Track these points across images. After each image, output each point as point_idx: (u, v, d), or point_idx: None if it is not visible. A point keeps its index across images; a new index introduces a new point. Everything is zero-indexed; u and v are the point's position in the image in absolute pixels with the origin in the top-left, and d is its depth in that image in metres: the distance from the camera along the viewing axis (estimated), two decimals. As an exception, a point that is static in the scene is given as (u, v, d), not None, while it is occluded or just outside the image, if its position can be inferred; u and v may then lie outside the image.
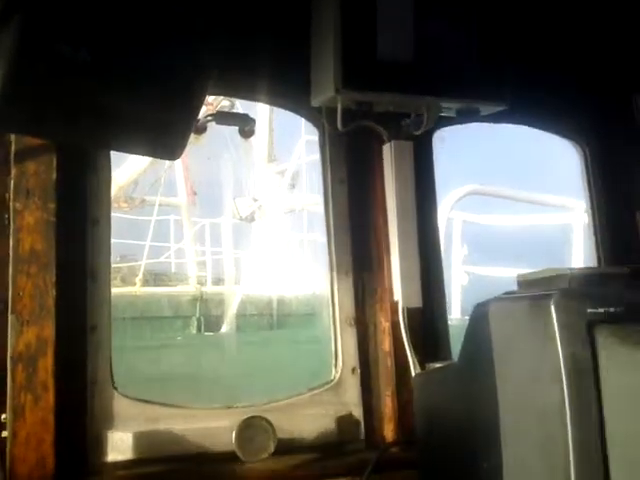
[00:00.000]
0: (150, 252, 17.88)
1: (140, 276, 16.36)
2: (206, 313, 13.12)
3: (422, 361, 3.13)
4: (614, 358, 2.10)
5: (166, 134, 2.58)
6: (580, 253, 10.74)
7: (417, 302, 3.18)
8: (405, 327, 3.14)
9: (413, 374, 3.08)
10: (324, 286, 3.29)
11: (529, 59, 3.43)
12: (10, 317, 2.58)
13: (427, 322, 3.21)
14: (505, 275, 13.57)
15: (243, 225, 15.36)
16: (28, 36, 2.15)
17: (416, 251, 3.22)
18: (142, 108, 2.45)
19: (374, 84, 2.87)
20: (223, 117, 3.11)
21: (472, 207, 12.34)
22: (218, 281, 16.12)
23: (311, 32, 2.95)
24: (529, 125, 3.78)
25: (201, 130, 3.13)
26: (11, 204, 2.64)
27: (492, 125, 3.58)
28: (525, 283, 2.48)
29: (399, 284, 3.18)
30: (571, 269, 2.38)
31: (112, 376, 2.79)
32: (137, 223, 17.24)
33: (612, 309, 2.17)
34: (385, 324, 3.18)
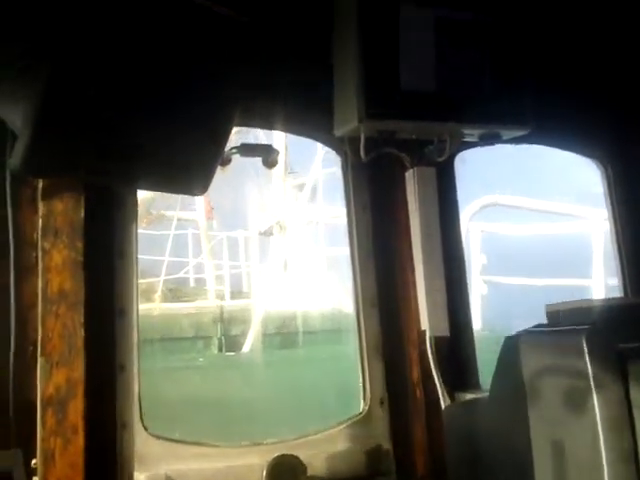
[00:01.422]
0: (168, 267, 17.94)
1: (159, 292, 16.39)
2: (227, 332, 13.06)
3: (451, 390, 3.11)
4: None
5: (192, 171, 2.59)
6: (600, 261, 10.66)
7: (444, 330, 3.17)
8: (433, 356, 3.12)
9: (442, 405, 3.06)
10: (351, 317, 3.26)
11: (550, 81, 3.41)
12: (40, 359, 2.56)
13: (455, 350, 3.19)
14: (525, 283, 13.51)
15: (262, 239, 15.36)
16: (56, 82, 2.16)
17: (442, 279, 3.21)
18: (168, 147, 2.46)
19: (397, 113, 2.88)
20: (247, 149, 3.12)
21: (491, 217, 12.29)
22: (237, 295, 16.11)
23: (333, 62, 2.96)
24: (551, 145, 3.77)
25: (226, 162, 3.14)
26: (39, 243, 2.64)
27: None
28: (554, 315, 2.46)
29: (425, 313, 3.16)
30: (599, 301, 2.37)
31: (142, 416, 2.77)
32: (155, 238, 17.28)
33: None
34: (413, 354, 3.16)
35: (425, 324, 3.17)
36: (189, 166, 2.56)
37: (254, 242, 15.74)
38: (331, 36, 2.96)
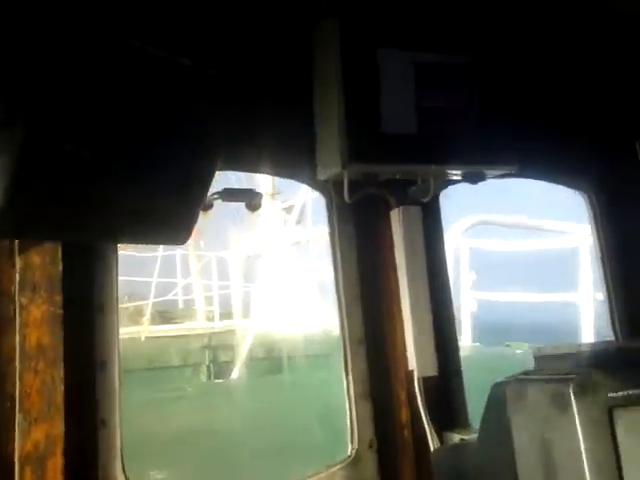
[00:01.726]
0: (157, 289, 17.86)
1: (148, 316, 16.31)
2: (215, 359, 12.98)
3: (440, 430, 3.09)
4: (636, 445, 2.08)
5: (173, 222, 2.56)
6: (588, 277, 10.71)
7: (432, 370, 3.15)
8: (421, 397, 3.10)
9: (431, 446, 3.04)
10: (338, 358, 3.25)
11: (533, 116, 3.42)
12: (17, 416, 2.50)
13: (443, 390, 3.18)
14: (513, 300, 13.57)
15: (250, 261, 15.34)
16: (31, 139, 2.14)
17: (429, 318, 3.20)
18: (148, 201, 2.44)
19: (380, 157, 2.88)
20: (229, 194, 3.10)
21: (480, 233, 12.35)
22: (226, 315, 16.06)
23: (314, 107, 2.96)
24: (536, 179, 3.78)
25: (208, 207, 3.12)
26: (17, 298, 2.60)
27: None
28: (541, 360, 2.45)
29: (413, 352, 3.15)
30: (587, 345, 2.36)
31: (124, 471, 2.72)
32: (143, 260, 17.21)
33: (632, 392, 2.15)
34: (401, 394, 3.14)
35: (413, 364, 3.16)
36: (170, 217, 2.53)
37: (243, 264, 15.71)
38: (312, 80, 2.96)
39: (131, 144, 2.29)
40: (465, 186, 3.24)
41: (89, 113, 2.20)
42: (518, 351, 12.49)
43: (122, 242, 2.71)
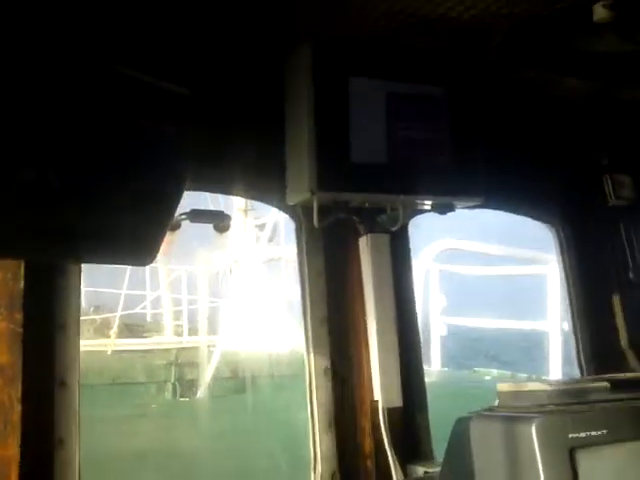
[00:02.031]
0: (125, 301, 17.69)
1: (115, 329, 16.14)
2: (182, 376, 12.84)
3: (403, 462, 3.07)
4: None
5: (139, 243, 2.52)
6: (556, 305, 10.78)
7: (397, 401, 3.13)
8: (386, 428, 3.07)
9: (394, 478, 3.02)
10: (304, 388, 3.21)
11: (502, 149, 3.45)
12: None
13: (408, 422, 3.15)
14: (483, 325, 13.64)
15: (220, 277, 15.25)
16: None
17: (395, 348, 3.18)
18: (113, 221, 2.40)
19: (348, 185, 2.87)
20: (198, 215, 3.06)
21: (450, 258, 12.42)
22: (195, 331, 15.93)
23: (286, 133, 2.95)
24: (505, 210, 3.80)
25: (175, 227, 3.08)
26: None
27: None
28: (505, 395, 2.45)
29: (378, 383, 3.13)
30: (551, 383, 2.36)
31: None
32: (112, 271, 17.05)
33: (594, 432, 2.15)
34: (365, 425, 3.12)
35: (378, 394, 3.13)
36: (136, 238, 2.49)
37: (213, 279, 15.62)
38: (284, 106, 2.95)
39: (95, 164, 2.25)
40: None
41: (50, 133, 2.16)
42: (487, 377, 12.55)
43: (87, 262, 2.65)
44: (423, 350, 3.45)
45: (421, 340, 3.38)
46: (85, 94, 2.16)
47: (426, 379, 3.41)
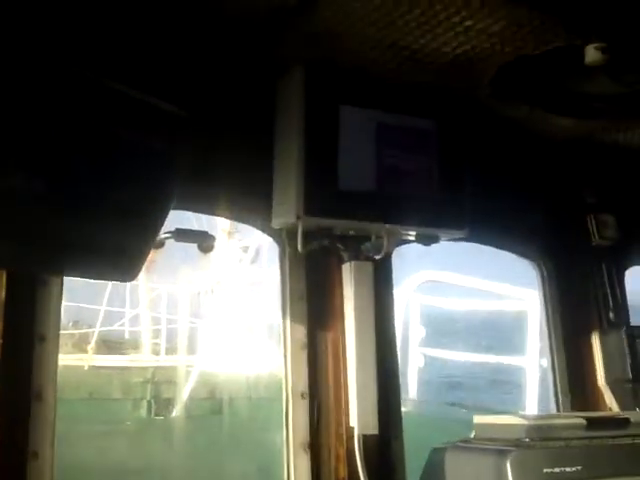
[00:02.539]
0: (104, 317, 17.57)
1: (92, 344, 16.01)
2: (158, 394, 12.73)
3: None
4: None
5: (122, 258, 2.51)
6: (535, 342, 10.80)
7: (373, 429, 3.12)
8: (360, 455, 3.06)
9: None
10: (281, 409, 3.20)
11: (487, 184, 3.49)
12: None
13: (383, 449, 3.14)
14: (461, 358, 13.66)
15: (201, 297, 15.19)
16: None
17: (374, 375, 3.17)
18: (98, 235, 2.39)
19: (335, 212, 2.89)
20: (182, 235, 3.06)
21: (431, 290, 12.45)
22: (173, 350, 15.82)
23: (274, 156, 2.96)
24: (488, 245, 3.83)
25: (159, 246, 3.07)
26: None
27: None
28: (481, 427, 2.45)
29: (355, 409, 3.12)
30: (527, 417, 2.36)
31: None
32: (92, 286, 16.95)
33: (568, 469, 2.15)
34: (340, 451, 3.10)
35: (354, 421, 3.12)
36: (120, 254, 2.49)
37: (193, 300, 15.55)
38: (273, 128, 2.97)
39: (82, 175, 2.24)
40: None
41: (36, 141, 2.15)
42: (463, 410, 12.50)
43: (70, 275, 2.65)
44: (401, 380, 3.45)
45: (398, 369, 3.38)
46: (73, 106, 2.17)
47: (403, 408, 3.41)
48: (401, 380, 3.46)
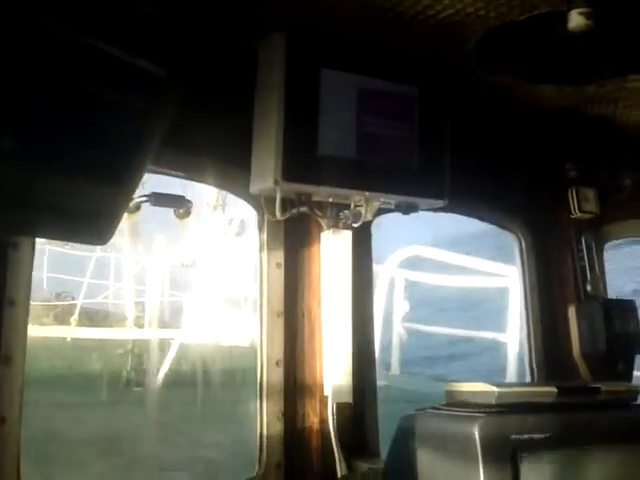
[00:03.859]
0: (88, 290, 17.51)
1: (75, 316, 15.96)
2: (139, 366, 12.73)
3: (349, 457, 3.06)
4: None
5: (95, 221, 2.47)
6: (516, 317, 10.87)
7: (347, 397, 3.12)
8: (334, 424, 3.07)
9: (339, 473, 3.01)
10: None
11: (470, 155, 3.47)
12: None
13: (357, 418, 3.15)
14: (442, 332, 13.74)
15: (184, 270, 15.15)
16: None
17: (349, 344, 3.17)
18: (69, 196, 2.35)
19: (314, 178, 2.85)
20: (158, 199, 3.02)
21: (415, 265, 12.47)
22: (156, 323, 15.79)
23: (254, 121, 2.92)
24: (468, 216, 3.83)
25: (134, 210, 3.04)
26: None
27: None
28: (452, 395, 2.45)
29: (330, 378, 3.12)
30: (498, 385, 2.36)
31: (19, 472, 2.60)
32: (75, 258, 16.88)
33: (536, 436, 2.16)
34: (314, 419, 3.11)
35: (329, 389, 3.12)
36: (91, 216, 2.44)
37: (177, 272, 15.51)
38: (253, 92, 2.93)
39: (52, 137, 2.20)
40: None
41: (10, 101, 2.11)
42: (444, 385, 12.56)
43: (41, 237, 2.61)
44: (383, 356, 3.46)
45: (377, 340, 3.38)
46: (43, 61, 2.11)
47: (383, 382, 3.42)
48: (384, 355, 3.47)
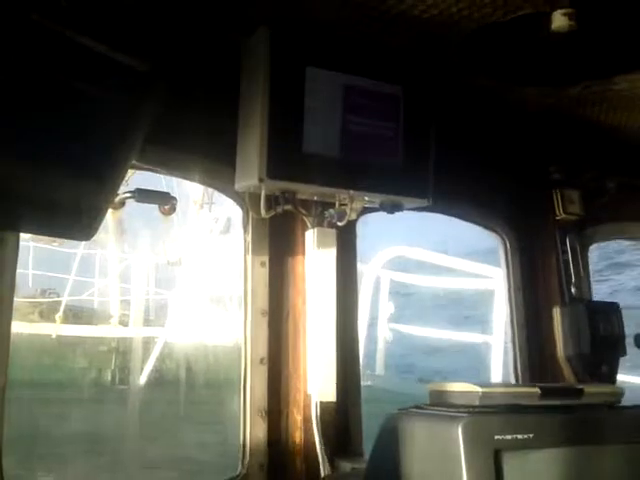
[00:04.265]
0: (73, 287, 17.42)
1: (60, 313, 15.88)
2: (124, 364, 12.71)
3: (332, 456, 3.05)
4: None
5: (78, 216, 2.45)
6: (501, 320, 10.90)
7: (331, 396, 3.11)
8: (317, 422, 3.05)
9: (322, 472, 3.00)
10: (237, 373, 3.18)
11: (454, 155, 3.46)
12: None
13: (340, 417, 3.14)
14: (429, 335, 13.75)
15: (170, 267, 15.09)
16: None
17: (333, 343, 3.16)
18: (53, 191, 2.33)
19: (298, 176, 2.85)
20: (143, 195, 2.99)
21: (400, 266, 12.49)
22: (142, 321, 15.74)
23: (239, 118, 2.91)
24: (453, 216, 3.82)
25: (118, 206, 3.02)
26: None
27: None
28: (435, 395, 2.45)
29: (314, 376, 3.11)
30: (482, 385, 2.36)
31: (1, 469, 2.57)
32: (61, 256, 16.80)
33: (520, 436, 2.16)
34: (297, 418, 3.09)
35: (313, 388, 3.11)
36: (74, 212, 2.42)
37: (162, 270, 15.47)
38: (239, 89, 2.91)
39: (36, 131, 2.18)
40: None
41: None
42: (428, 385, 12.59)
43: (24, 232, 2.58)
44: (368, 357, 3.45)
45: (361, 339, 3.37)
46: (27, 55, 2.09)
47: (368, 382, 3.41)
48: (369, 357, 3.47)
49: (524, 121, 3.62)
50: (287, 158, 2.79)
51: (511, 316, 3.98)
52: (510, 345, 4.03)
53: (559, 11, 2.41)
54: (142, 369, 12.49)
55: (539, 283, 3.96)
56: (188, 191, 14.20)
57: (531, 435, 2.15)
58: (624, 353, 3.89)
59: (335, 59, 2.86)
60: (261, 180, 2.77)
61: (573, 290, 3.97)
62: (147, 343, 13.36)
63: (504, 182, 3.80)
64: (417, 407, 2.37)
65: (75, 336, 14.56)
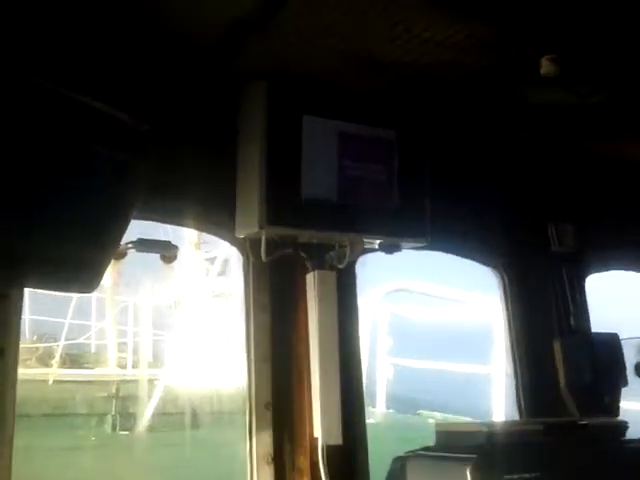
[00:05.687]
0: (70, 331, 17.31)
1: (57, 358, 15.76)
2: (124, 409, 12.58)
3: None
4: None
5: (82, 270, 2.49)
6: (501, 350, 10.89)
7: (337, 439, 3.11)
8: (324, 466, 3.05)
9: None
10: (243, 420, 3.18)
11: (448, 193, 3.52)
12: None
13: (347, 460, 3.14)
14: (429, 367, 13.70)
15: (168, 310, 15.06)
16: None
17: (337, 385, 3.17)
18: (57, 247, 2.37)
19: (297, 221, 2.89)
20: (144, 245, 3.04)
21: (399, 299, 12.50)
22: (139, 364, 15.62)
23: (237, 167, 2.96)
24: (451, 253, 3.86)
25: (121, 256, 3.05)
26: None
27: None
28: (442, 436, 2.47)
29: (319, 420, 3.11)
30: (488, 424, 2.39)
31: None
32: (58, 299, 16.71)
33: (527, 475, 2.18)
34: (304, 462, 3.09)
35: (318, 432, 3.11)
36: (81, 265, 2.46)
37: (159, 312, 15.41)
38: (236, 139, 2.97)
39: (40, 190, 2.22)
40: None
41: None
42: (430, 420, 12.54)
43: (30, 287, 2.61)
44: (368, 391, 3.46)
45: (364, 379, 3.38)
46: (32, 116, 2.14)
47: (370, 420, 3.41)
48: (369, 391, 3.47)
49: (517, 157, 3.69)
50: (286, 205, 2.84)
51: (512, 349, 3.99)
52: (511, 377, 4.04)
53: (546, 57, 2.48)
54: (143, 414, 12.37)
55: (537, 315, 3.98)
56: (184, 232, 14.23)
57: (538, 473, 2.17)
58: (625, 383, 3.90)
59: (330, 107, 2.93)
60: (261, 227, 2.81)
61: (572, 321, 3.99)
62: (147, 387, 13.25)
63: (499, 217, 3.85)
64: (425, 449, 2.39)
65: (73, 381, 14.44)
